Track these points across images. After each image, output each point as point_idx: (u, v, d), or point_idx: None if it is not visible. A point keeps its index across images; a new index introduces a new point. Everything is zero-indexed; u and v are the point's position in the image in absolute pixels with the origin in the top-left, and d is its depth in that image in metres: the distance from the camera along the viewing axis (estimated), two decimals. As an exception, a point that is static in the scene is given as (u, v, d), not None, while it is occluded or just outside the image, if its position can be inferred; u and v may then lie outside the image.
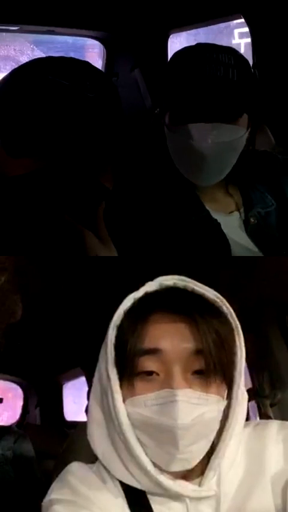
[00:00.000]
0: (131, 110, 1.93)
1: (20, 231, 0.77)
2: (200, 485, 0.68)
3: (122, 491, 0.69)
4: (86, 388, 2.08)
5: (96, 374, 0.71)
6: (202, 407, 0.63)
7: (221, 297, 0.69)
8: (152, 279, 0.70)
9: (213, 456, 0.67)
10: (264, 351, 1.55)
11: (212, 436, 0.66)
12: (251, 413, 1.56)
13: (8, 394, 2.86)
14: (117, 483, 0.69)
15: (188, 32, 2.08)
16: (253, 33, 1.83)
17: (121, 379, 0.66)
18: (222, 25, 2.16)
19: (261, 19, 1.77)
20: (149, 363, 0.65)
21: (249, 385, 1.57)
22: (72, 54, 1.11)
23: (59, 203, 0.76)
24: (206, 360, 0.64)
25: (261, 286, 1.46)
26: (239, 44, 2.18)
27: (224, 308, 0.68)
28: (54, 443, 1.92)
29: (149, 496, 0.68)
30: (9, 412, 2.89)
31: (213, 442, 0.67)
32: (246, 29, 1.89)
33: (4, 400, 2.65)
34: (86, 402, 1.50)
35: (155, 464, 0.65)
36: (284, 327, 1.56)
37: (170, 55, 1.10)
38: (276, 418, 1.46)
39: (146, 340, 0.65)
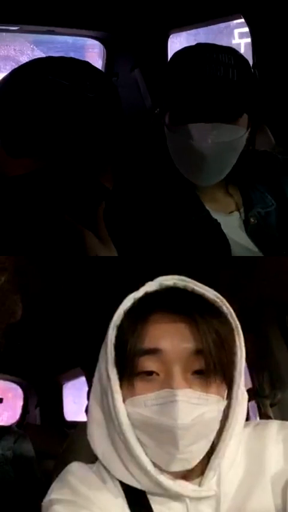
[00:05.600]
0: (131, 110, 1.93)
1: (20, 231, 0.77)
2: (200, 485, 0.68)
3: (122, 491, 0.69)
4: (86, 388, 2.08)
5: (96, 374, 0.71)
6: (202, 407, 0.63)
7: (221, 297, 0.69)
8: (152, 279, 0.70)
9: (213, 456, 0.67)
10: (264, 351, 1.55)
11: (212, 436, 0.66)
12: (251, 413, 1.56)
13: (8, 394, 2.86)
14: (117, 483, 0.69)
15: (188, 32, 2.08)
16: (253, 33, 1.83)
17: (121, 379, 0.66)
18: (222, 25, 2.16)
19: (261, 19, 1.77)
20: (149, 363, 0.65)
21: (249, 385, 1.57)
22: (72, 54, 1.11)
23: (59, 203, 0.76)
24: (206, 360, 0.64)
25: (261, 286, 1.46)
26: (239, 44, 2.18)
27: (224, 308, 0.68)
28: (54, 443, 1.92)
29: (149, 496, 0.68)
30: (9, 412, 2.89)
31: (213, 442, 0.67)
32: (246, 29, 1.89)
33: (4, 400, 2.65)
34: (86, 402, 1.50)
35: (155, 464, 0.65)
36: (284, 327, 1.56)
37: (170, 55, 1.10)
38: (276, 418, 1.45)
39: (146, 340, 0.65)
